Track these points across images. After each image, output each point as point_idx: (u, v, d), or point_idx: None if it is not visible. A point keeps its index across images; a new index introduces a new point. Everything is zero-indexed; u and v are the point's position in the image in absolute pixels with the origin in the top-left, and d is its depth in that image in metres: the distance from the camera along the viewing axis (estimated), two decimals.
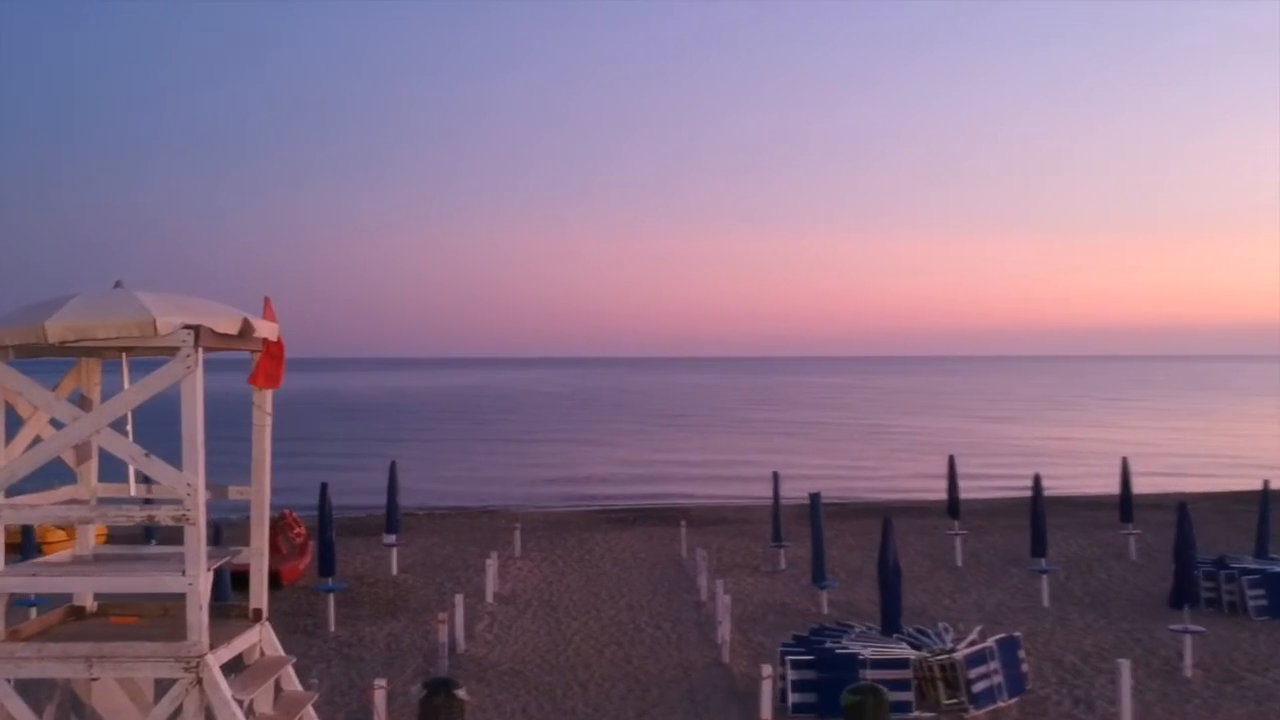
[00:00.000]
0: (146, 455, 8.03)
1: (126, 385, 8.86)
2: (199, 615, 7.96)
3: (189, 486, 7.89)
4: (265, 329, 8.75)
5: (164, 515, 8.06)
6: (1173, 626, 16.42)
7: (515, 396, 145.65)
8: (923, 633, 15.36)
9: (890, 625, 14.84)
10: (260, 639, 9.22)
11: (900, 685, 13.28)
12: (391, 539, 23.34)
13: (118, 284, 8.29)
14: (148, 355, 9.48)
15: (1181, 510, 16.55)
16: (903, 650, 14.23)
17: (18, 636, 8.39)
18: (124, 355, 9.53)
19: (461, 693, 11.12)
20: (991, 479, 43.40)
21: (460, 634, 17.01)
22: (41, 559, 9.88)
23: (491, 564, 21.30)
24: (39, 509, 8.91)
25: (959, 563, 24.20)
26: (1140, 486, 27.10)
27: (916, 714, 13.44)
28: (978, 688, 13.81)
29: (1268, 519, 21.11)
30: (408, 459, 42.77)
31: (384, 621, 19.03)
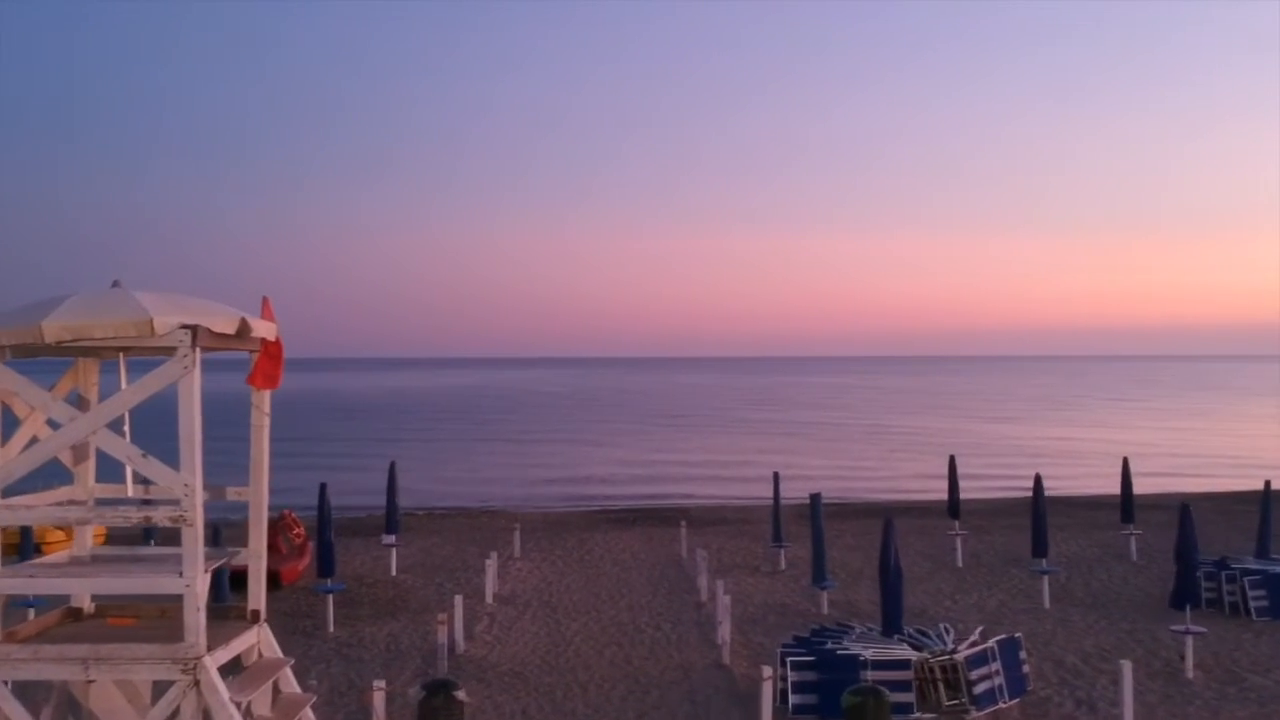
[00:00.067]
0: (144, 456, 7.99)
1: (124, 385, 8.80)
2: (196, 617, 7.92)
3: (186, 487, 7.84)
4: (263, 329, 8.71)
5: (161, 516, 8.01)
6: (1174, 627, 16.40)
7: (515, 396, 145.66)
8: (923, 634, 15.32)
9: (891, 626, 14.79)
10: (259, 640, 9.18)
11: (901, 686, 13.26)
12: (391, 539, 23.30)
13: (115, 283, 8.25)
14: (145, 355, 9.43)
15: (1184, 511, 16.51)
16: (903, 651, 14.19)
17: (14, 638, 8.35)
18: (121, 355, 9.49)
19: (461, 694, 11.10)
20: (992, 479, 43.41)
21: (460, 635, 16.97)
22: (39, 560, 9.84)
23: (491, 564, 21.27)
24: (36, 510, 8.86)
25: (960, 563, 24.17)
26: (1141, 487, 27.10)
27: (917, 715, 13.40)
28: (979, 689, 13.78)
29: (1269, 519, 21.05)
30: (407, 459, 42.85)
31: (383, 622, 19.00)
